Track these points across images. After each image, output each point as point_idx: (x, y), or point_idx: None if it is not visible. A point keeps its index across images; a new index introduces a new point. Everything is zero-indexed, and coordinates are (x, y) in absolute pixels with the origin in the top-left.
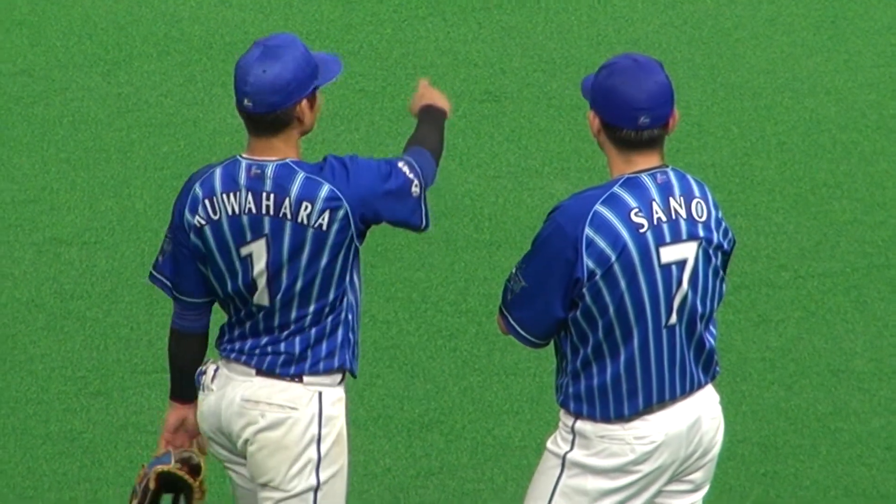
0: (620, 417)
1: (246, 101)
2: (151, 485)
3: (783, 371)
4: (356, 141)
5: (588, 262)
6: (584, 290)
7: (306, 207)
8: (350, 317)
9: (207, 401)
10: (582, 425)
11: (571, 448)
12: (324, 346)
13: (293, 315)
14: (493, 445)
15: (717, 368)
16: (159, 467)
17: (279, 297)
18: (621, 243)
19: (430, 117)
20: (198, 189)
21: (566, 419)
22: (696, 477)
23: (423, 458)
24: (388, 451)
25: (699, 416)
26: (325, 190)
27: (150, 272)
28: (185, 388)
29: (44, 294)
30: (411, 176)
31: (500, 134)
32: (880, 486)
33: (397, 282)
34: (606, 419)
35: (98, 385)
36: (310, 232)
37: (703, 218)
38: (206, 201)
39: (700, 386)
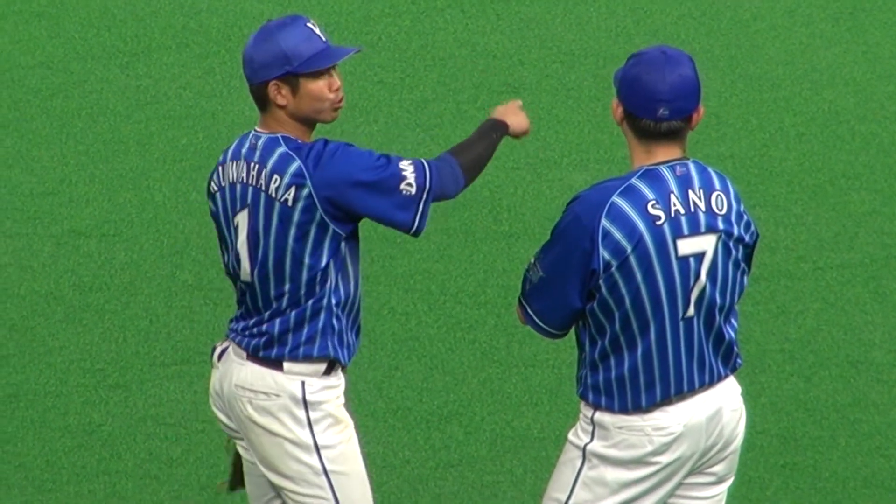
0: (638, 409)
1: None
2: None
3: (802, 362)
4: (374, 133)
5: (604, 254)
6: (601, 281)
7: (276, 181)
8: (335, 303)
9: (213, 377)
10: (601, 416)
11: (591, 439)
12: (304, 330)
13: (271, 293)
14: (512, 437)
15: (739, 360)
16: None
17: (256, 271)
18: (637, 235)
19: (486, 128)
20: (220, 157)
21: (586, 410)
22: (719, 469)
23: (442, 450)
24: (406, 442)
25: (720, 407)
26: (294, 166)
27: None
28: None
29: (63, 286)
30: (406, 174)
31: None
32: None
33: (416, 273)
34: (625, 410)
35: (117, 377)
36: (277, 206)
37: (723, 211)
38: (220, 168)
39: (720, 378)
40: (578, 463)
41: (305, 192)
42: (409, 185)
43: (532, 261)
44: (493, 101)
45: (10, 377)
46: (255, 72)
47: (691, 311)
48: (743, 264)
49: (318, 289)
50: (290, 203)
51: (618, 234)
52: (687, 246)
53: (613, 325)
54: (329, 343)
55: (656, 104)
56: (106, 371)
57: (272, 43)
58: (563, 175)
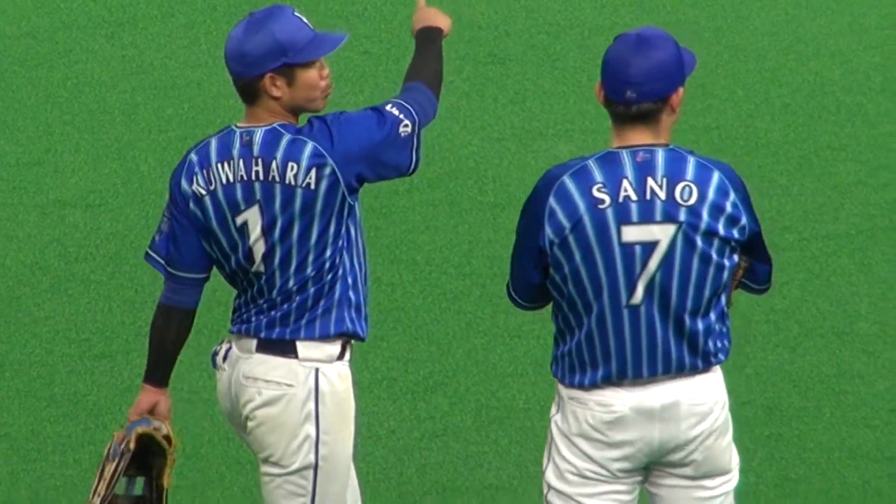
0: (582, 385)
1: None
2: (132, 445)
3: (787, 333)
4: (361, 103)
5: (549, 232)
6: (549, 259)
7: (293, 168)
8: (350, 276)
9: (221, 380)
10: (561, 389)
11: (556, 411)
12: (321, 304)
13: (292, 280)
14: (496, 408)
15: (720, 356)
16: (140, 428)
17: (277, 262)
18: (577, 216)
19: (427, 41)
20: (193, 157)
21: (557, 383)
22: (687, 471)
23: (427, 420)
24: (392, 413)
25: (677, 399)
26: (309, 148)
27: (146, 251)
28: (162, 373)
29: (48, 256)
30: (401, 116)
31: (504, 96)
32: (885, 448)
33: (401, 244)
34: (573, 385)
35: (102, 347)
36: (299, 192)
37: (690, 202)
38: (204, 171)
39: (685, 370)
40: (550, 435)
41: (328, 170)
42: (406, 126)
43: None
44: (479, 72)
45: None
46: (248, 66)
47: (637, 298)
48: (719, 258)
49: (337, 265)
50: (312, 186)
51: (560, 214)
52: (634, 233)
53: (562, 302)
54: (346, 316)
55: (624, 86)
56: (91, 341)
57: (266, 35)
58: (548, 146)
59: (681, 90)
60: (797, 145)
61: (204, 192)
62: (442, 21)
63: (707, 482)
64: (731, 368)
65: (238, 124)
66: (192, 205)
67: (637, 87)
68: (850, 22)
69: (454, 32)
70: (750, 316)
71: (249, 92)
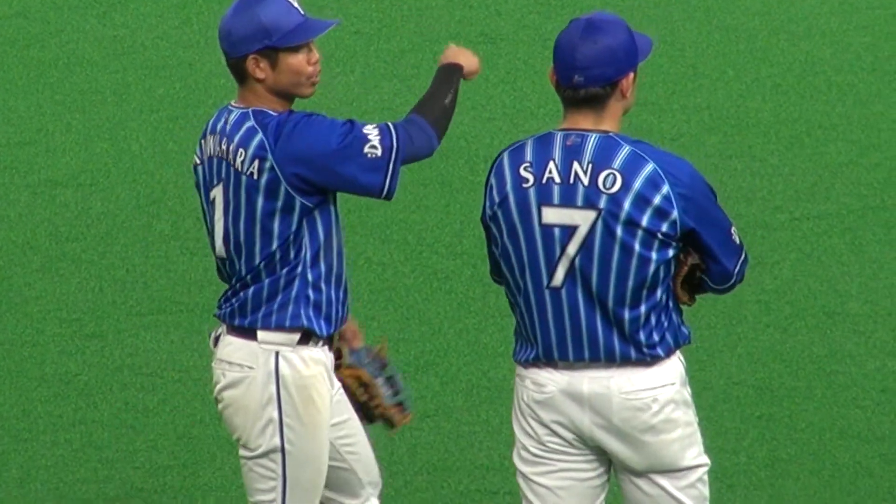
0: (520, 362)
1: None
2: (383, 354)
3: (778, 313)
4: (351, 83)
5: (486, 206)
6: (490, 234)
7: (241, 154)
8: (311, 274)
9: (213, 361)
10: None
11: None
12: (277, 299)
13: (245, 266)
14: (487, 387)
15: (658, 349)
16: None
17: (232, 246)
18: (504, 193)
19: (443, 77)
20: (203, 128)
21: None
22: (629, 465)
23: (418, 400)
24: None
25: (608, 389)
26: (257, 139)
27: None
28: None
29: (39, 236)
30: (371, 136)
31: (495, 76)
32: (875, 428)
33: (392, 224)
34: (517, 361)
35: (93, 327)
36: (244, 179)
37: (613, 190)
38: (202, 142)
39: (616, 359)
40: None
41: (268, 164)
42: (374, 147)
43: None
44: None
45: None
46: (233, 45)
47: (558, 281)
48: (644, 250)
49: (291, 260)
50: (255, 176)
51: (494, 190)
52: (554, 215)
53: (504, 280)
54: (303, 313)
55: (571, 71)
56: (82, 321)
57: (251, 16)
58: (539, 125)
59: (631, 75)
60: (788, 125)
61: (199, 161)
62: (464, 59)
63: (658, 478)
64: (723, 348)
65: (231, 103)
66: (194, 175)
67: (584, 71)
68: (841, 2)
69: (445, 11)
70: (741, 296)
71: (237, 72)
